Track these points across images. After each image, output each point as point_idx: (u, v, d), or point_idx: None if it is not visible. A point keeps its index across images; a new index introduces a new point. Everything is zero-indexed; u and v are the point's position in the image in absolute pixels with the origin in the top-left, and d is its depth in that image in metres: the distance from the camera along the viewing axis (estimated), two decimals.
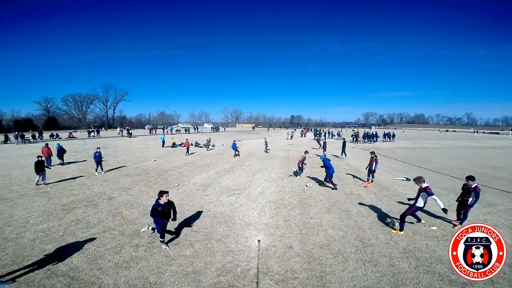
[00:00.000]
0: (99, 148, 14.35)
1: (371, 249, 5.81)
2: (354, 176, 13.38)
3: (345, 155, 20.17)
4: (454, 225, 7.10)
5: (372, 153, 12.14)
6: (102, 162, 14.34)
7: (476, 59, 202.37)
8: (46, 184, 11.25)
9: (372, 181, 11.78)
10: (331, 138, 42.24)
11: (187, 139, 24.09)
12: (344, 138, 24.38)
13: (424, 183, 6.57)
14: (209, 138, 28.50)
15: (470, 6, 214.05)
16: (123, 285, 4.54)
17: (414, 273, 4.86)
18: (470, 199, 6.87)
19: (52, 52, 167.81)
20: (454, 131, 78.12)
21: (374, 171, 11.68)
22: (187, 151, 22.12)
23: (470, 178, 6.94)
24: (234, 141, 23.01)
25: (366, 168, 12.19)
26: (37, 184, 11.16)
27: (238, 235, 6.60)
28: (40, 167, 11.05)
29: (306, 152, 14.01)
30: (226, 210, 8.40)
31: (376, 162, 11.59)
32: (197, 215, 7.98)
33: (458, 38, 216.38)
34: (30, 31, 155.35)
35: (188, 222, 7.38)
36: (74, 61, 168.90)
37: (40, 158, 11.29)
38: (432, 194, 6.36)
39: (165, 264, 5.22)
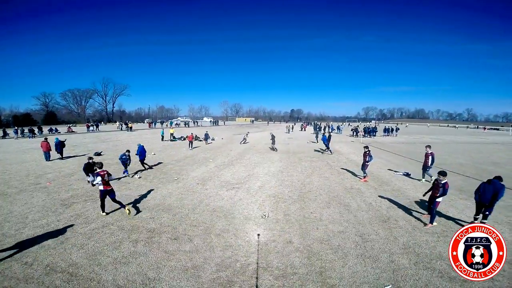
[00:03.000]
0: (129, 151, 12.69)
1: (371, 244, 5.80)
2: (351, 172, 13.34)
3: (328, 148, 20.21)
4: (425, 224, 6.84)
5: (366, 147, 12.03)
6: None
7: (477, 55, 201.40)
8: (94, 185, 9.68)
9: (364, 176, 11.61)
10: (331, 132, 42.16)
11: (192, 133, 23.99)
12: (329, 132, 24.29)
13: None
14: (207, 131, 28.48)
15: (471, 3, 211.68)
16: (122, 281, 4.52)
17: (414, 270, 4.85)
18: (438, 194, 6.66)
19: (51, 48, 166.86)
20: (468, 127, 73.90)
21: (367, 165, 11.51)
22: (191, 145, 22.09)
23: (441, 173, 6.71)
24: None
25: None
26: (93, 184, 9.76)
27: (238, 230, 6.59)
28: (90, 169, 10.00)
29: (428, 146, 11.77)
30: (226, 204, 8.38)
31: (370, 156, 11.42)
32: (196, 209, 7.96)
33: (459, 34, 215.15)
34: (28, 27, 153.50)
35: (188, 217, 7.37)
36: (73, 57, 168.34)
37: (90, 160, 10.40)
38: None
39: (164, 259, 5.21)
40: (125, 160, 12.40)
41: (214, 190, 9.98)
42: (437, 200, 6.63)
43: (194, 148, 21.89)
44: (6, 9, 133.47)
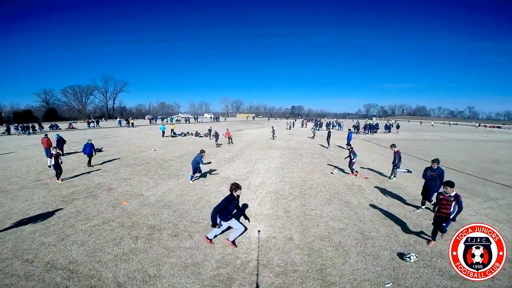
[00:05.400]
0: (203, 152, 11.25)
1: (372, 242, 5.78)
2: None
3: (329, 144, 20.51)
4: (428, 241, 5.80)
5: (348, 144, 12.41)
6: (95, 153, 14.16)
7: (479, 53, 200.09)
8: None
9: (355, 172, 11.79)
10: (332, 128, 42.10)
11: (228, 129, 24.18)
12: (329, 129, 24.31)
13: None
14: (211, 127, 28.66)
15: (474, 1, 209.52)
16: (122, 278, 4.52)
17: (414, 267, 4.83)
18: (452, 210, 5.32)
19: (52, 45, 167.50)
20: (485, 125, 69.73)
21: (353, 162, 11.72)
22: (230, 140, 22.30)
23: (448, 183, 5.34)
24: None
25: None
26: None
27: None
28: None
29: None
30: None
31: (354, 153, 11.69)
32: (197, 205, 7.95)
33: (461, 32, 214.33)
34: (29, 25, 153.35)
35: (188, 213, 7.35)
36: (73, 54, 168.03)
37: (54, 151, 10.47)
38: None
39: (165, 256, 5.20)
40: (194, 167, 10.60)
41: (214, 186, 9.97)
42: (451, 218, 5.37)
43: (231, 144, 21.84)
44: (7, 6, 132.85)
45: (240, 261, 5.07)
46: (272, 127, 29.69)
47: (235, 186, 5.57)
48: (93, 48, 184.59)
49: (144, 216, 7.12)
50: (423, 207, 7.77)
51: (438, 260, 5.06)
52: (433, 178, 7.44)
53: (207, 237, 5.83)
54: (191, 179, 10.68)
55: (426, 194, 7.58)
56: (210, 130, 26.97)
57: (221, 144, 21.20)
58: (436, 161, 7.55)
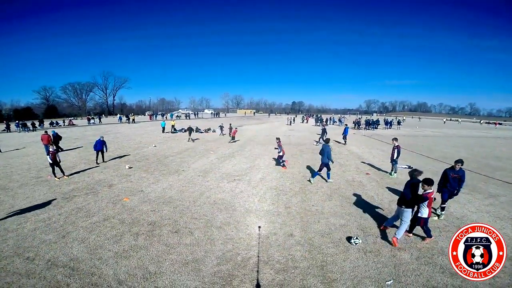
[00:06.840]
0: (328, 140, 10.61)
1: (373, 238, 5.77)
2: (352, 164, 13.26)
3: (317, 141, 20.47)
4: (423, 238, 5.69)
5: (277, 139, 12.90)
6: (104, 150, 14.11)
7: (480, 50, 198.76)
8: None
9: (283, 165, 12.20)
10: (332, 124, 42.06)
11: (236, 128, 24.23)
12: (324, 125, 24.41)
13: None
14: (222, 123, 28.78)
15: None
16: (123, 275, 4.52)
17: (415, 265, 4.82)
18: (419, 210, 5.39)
19: (51, 42, 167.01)
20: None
21: (280, 157, 12.12)
22: (233, 139, 22.05)
23: (426, 182, 5.27)
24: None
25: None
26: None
27: (239, 222, 6.57)
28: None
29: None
30: (227, 197, 8.36)
31: (280, 147, 12.10)
32: (197, 201, 7.94)
33: (463, 29, 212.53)
34: (28, 22, 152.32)
35: (189, 209, 7.34)
36: (73, 51, 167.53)
37: (52, 149, 10.52)
38: None
39: (165, 253, 5.20)
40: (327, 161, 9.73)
41: (215, 182, 9.95)
42: (419, 215, 5.38)
43: (194, 140, 21.92)
44: (7, 4, 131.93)
45: (240, 258, 5.07)
46: (222, 123, 28.93)
47: (419, 173, 5.57)
48: (92, 45, 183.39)
49: (144, 213, 7.12)
50: (443, 212, 6.94)
51: (439, 257, 5.04)
52: (455, 181, 6.74)
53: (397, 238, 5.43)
54: (328, 178, 10.06)
55: (448, 196, 6.87)
56: (221, 127, 26.93)
57: (198, 139, 21.48)
58: (460, 161, 6.75)
